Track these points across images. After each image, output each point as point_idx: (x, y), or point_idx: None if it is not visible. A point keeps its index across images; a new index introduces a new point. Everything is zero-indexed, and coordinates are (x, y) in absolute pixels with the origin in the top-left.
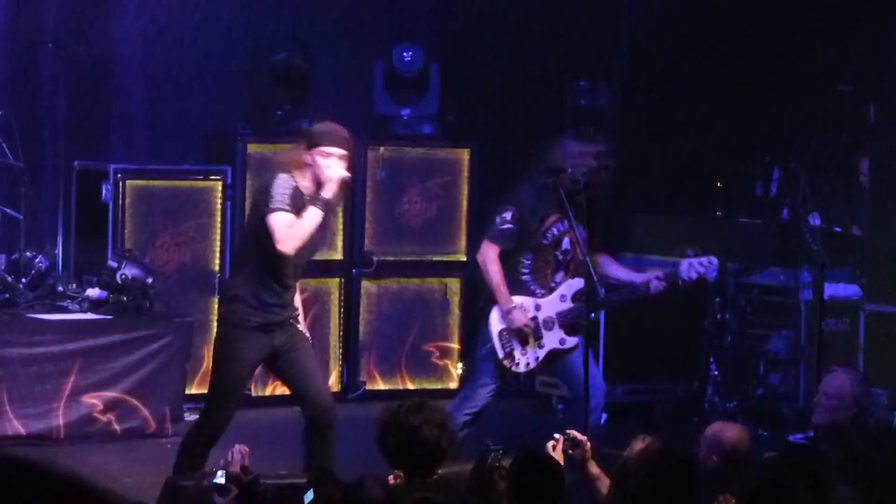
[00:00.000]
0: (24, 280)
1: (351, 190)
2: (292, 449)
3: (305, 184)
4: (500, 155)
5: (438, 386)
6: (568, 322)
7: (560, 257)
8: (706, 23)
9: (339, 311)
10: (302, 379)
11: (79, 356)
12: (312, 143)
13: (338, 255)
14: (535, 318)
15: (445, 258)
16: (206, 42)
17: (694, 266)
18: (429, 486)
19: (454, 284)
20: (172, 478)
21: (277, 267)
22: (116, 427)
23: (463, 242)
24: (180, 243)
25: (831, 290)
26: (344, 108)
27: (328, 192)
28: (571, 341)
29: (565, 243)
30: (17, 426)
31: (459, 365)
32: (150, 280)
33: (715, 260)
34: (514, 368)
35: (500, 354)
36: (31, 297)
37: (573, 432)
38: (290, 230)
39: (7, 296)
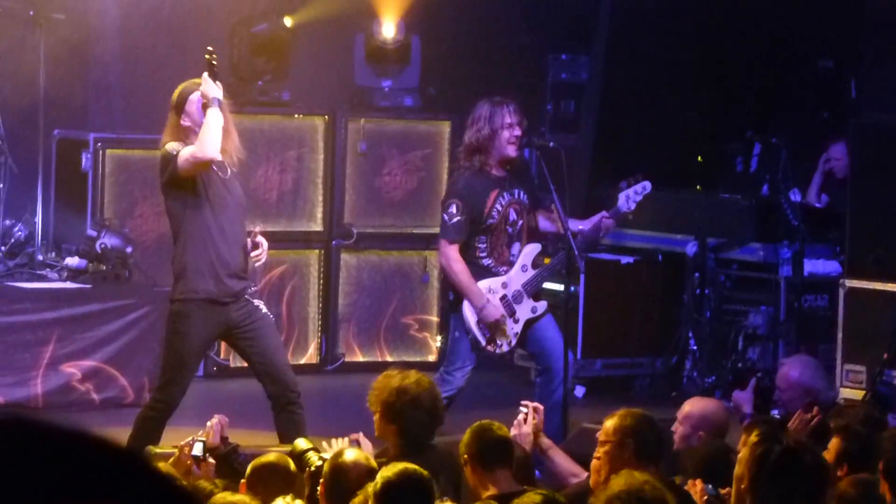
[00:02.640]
0: (2, 248)
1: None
2: (272, 420)
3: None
4: None
5: (417, 358)
6: (534, 290)
7: (510, 230)
8: None
9: (319, 282)
10: (261, 357)
11: (57, 325)
12: (180, 105)
13: (318, 227)
14: (504, 297)
15: (425, 231)
16: (185, 11)
17: (631, 197)
18: (421, 455)
19: (434, 257)
20: (152, 450)
21: (213, 231)
22: (95, 396)
23: None
24: (159, 213)
25: (811, 266)
26: (324, 79)
27: (212, 93)
28: (541, 306)
29: (512, 215)
30: None
31: (438, 338)
32: (129, 249)
33: (648, 184)
34: (497, 351)
35: (483, 342)
36: (10, 265)
37: (530, 403)
38: (199, 141)
39: None
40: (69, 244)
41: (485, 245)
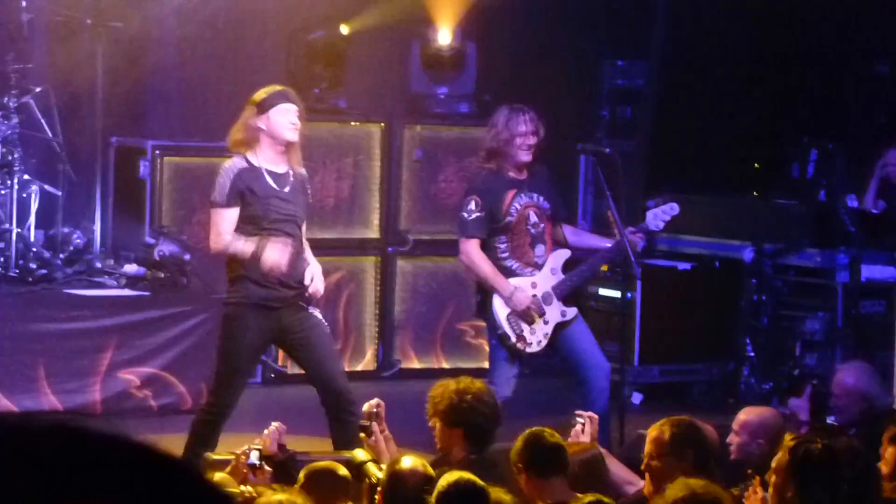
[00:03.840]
0: (61, 256)
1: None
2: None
3: (259, 158)
4: None
5: (473, 365)
6: (563, 294)
7: (532, 231)
8: (744, 3)
9: (375, 289)
10: (314, 364)
11: (115, 332)
12: (266, 106)
13: (374, 234)
14: (534, 296)
15: None
16: (242, 19)
17: (658, 216)
18: (476, 462)
19: None
20: (209, 455)
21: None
22: (153, 403)
23: None
24: None
25: (868, 271)
26: (381, 86)
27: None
28: (571, 312)
29: (532, 217)
30: (53, 401)
31: None
32: (187, 256)
33: (675, 206)
34: (527, 349)
35: (513, 338)
36: (68, 272)
37: (585, 413)
38: (216, 238)
39: (45, 271)
40: (127, 251)
41: (506, 245)
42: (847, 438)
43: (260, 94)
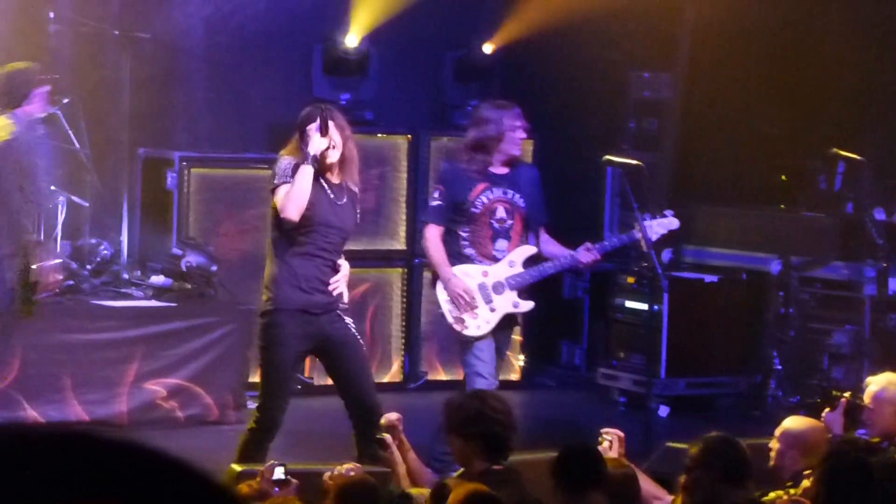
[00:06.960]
0: (88, 267)
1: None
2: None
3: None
4: (563, 146)
5: (500, 377)
6: (518, 286)
7: (496, 226)
8: (769, 15)
9: (402, 301)
10: (346, 379)
11: (142, 343)
12: (301, 129)
13: (400, 246)
14: (482, 284)
15: None
16: (269, 30)
17: (653, 228)
18: (499, 473)
19: None
20: (234, 468)
21: (310, 250)
22: (179, 414)
23: None
24: (243, 231)
25: (895, 284)
26: (411, 97)
27: (312, 149)
28: (526, 305)
29: (499, 212)
30: (80, 412)
31: (521, 356)
32: (213, 268)
33: (677, 221)
34: (464, 332)
35: (450, 319)
36: (95, 283)
37: (612, 430)
38: (285, 199)
39: (71, 282)
40: (154, 262)
41: (467, 234)
42: (884, 455)
43: (299, 118)
